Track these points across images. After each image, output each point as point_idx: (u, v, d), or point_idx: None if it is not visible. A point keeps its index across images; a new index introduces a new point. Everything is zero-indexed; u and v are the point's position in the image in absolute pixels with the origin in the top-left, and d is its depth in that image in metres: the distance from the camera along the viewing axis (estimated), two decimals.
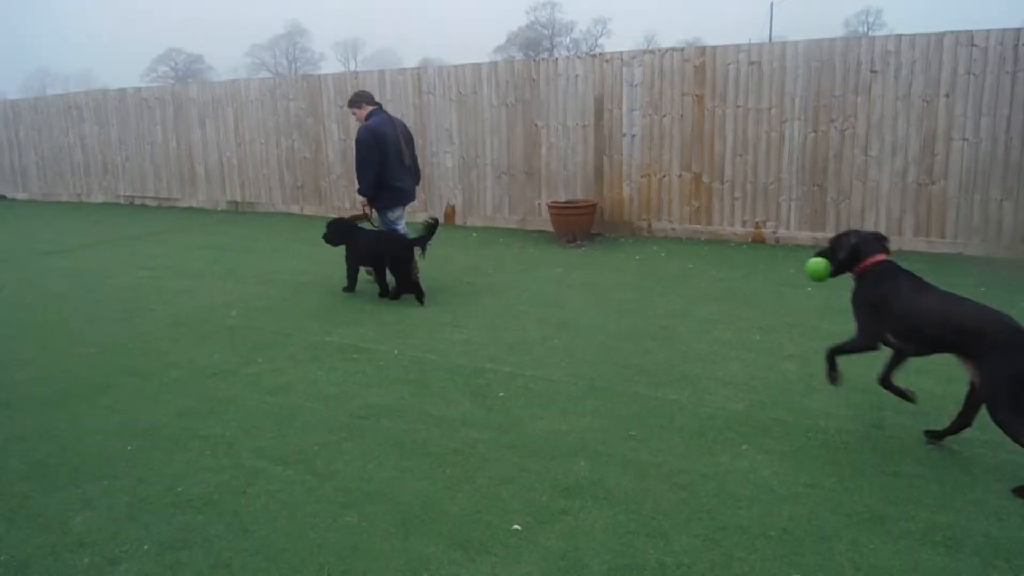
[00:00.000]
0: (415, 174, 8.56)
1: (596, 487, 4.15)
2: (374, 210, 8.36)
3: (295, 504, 4.12)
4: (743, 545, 3.59)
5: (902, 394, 4.63)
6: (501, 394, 5.49)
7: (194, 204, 16.48)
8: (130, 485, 4.40)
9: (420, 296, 7.99)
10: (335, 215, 12.46)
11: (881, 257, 4.56)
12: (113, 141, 17.59)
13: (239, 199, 15.69)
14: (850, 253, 4.60)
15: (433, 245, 8.23)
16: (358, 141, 8.03)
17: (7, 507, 4.23)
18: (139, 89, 17.46)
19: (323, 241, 8.55)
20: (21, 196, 19.97)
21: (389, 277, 8.20)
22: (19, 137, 19.62)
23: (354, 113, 8.40)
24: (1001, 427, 3.98)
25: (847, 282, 4.70)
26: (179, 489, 4.33)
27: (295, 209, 14.80)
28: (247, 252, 11.25)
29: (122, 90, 17.51)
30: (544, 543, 3.66)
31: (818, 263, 4.74)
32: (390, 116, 8.41)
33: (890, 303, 4.38)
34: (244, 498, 4.20)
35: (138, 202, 17.44)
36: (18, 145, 19.71)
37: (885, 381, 4.64)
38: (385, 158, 8.04)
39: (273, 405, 5.48)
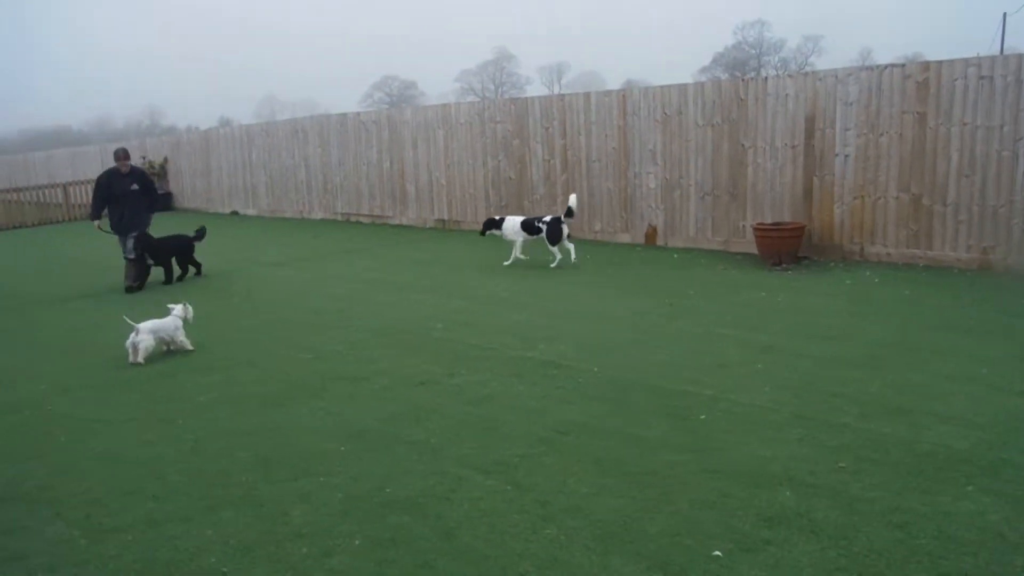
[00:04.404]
0: None
1: (803, 519, 3.97)
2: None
3: (496, 513, 4.21)
4: None
5: None
6: (702, 417, 5.38)
7: (404, 222, 17.29)
8: (343, 483, 4.67)
9: (199, 270, 12.15)
10: None
11: None
12: (333, 162, 18.80)
13: (446, 217, 16.30)
14: None
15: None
16: (151, 178, 12.84)
17: (235, 495, 4.61)
18: (358, 114, 18.59)
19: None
20: (251, 212, 21.71)
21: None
22: (251, 159, 21.39)
23: (124, 164, 11.53)
24: None
25: None
26: (387, 490, 4.54)
27: None
28: (452, 268, 11.67)
29: (343, 115, 18.71)
30: (747, 573, 3.54)
31: None
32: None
33: None
34: (448, 503, 4.35)
35: (353, 219, 18.51)
36: (250, 166, 21.51)
37: None
38: None
39: (475, 416, 5.64)
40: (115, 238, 11.65)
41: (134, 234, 11.31)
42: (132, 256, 11.30)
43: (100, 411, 6.25)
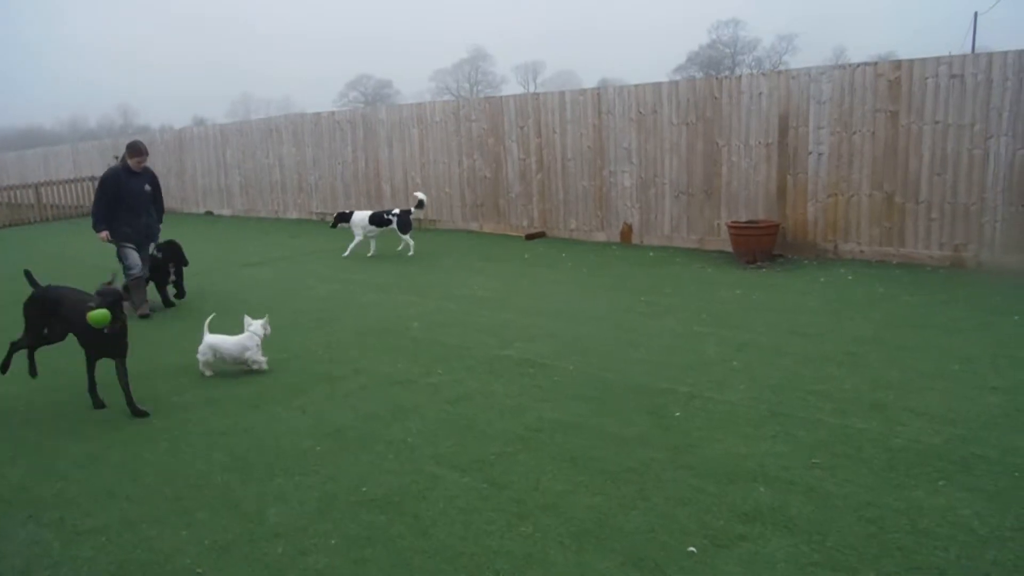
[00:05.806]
0: None
1: (777, 514, 4.00)
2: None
3: (472, 511, 4.22)
4: None
5: None
6: (677, 414, 5.41)
7: None
8: (319, 482, 4.66)
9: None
10: (514, 233, 12.79)
11: None
12: (308, 161, 18.70)
13: (421, 217, 16.23)
14: None
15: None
16: (157, 177, 9.94)
17: (211, 496, 4.58)
18: (332, 113, 18.51)
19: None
20: (225, 212, 21.55)
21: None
22: (226, 158, 21.24)
23: (140, 162, 9.46)
24: None
25: None
26: (364, 489, 4.54)
27: (474, 227, 15.19)
28: (429, 268, 11.65)
29: (317, 114, 18.62)
30: (722, 568, 3.56)
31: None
32: None
33: None
34: (424, 502, 4.35)
35: (328, 219, 18.38)
36: (224, 166, 21.34)
37: None
38: None
39: (452, 414, 5.64)
40: (105, 246, 9.61)
41: (153, 245, 9.73)
42: (140, 273, 9.47)
43: (76, 412, 6.17)
